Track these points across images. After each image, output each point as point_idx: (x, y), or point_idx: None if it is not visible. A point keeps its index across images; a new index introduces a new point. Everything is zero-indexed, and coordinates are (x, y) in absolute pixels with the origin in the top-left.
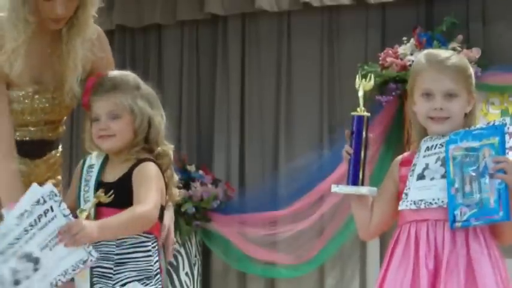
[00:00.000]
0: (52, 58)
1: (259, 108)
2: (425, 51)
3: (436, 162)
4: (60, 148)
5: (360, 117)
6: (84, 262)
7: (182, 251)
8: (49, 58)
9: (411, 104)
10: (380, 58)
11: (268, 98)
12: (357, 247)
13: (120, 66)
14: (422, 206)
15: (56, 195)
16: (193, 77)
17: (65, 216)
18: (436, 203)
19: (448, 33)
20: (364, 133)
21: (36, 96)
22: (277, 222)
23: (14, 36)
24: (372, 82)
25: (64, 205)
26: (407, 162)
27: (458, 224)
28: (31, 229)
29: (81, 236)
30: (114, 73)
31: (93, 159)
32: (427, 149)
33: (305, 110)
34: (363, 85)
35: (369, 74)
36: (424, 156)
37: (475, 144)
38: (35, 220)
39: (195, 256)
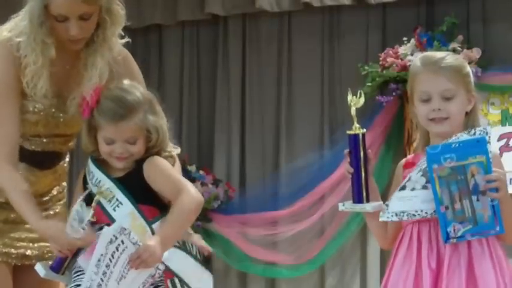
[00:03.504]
0: (71, 73)
1: (259, 109)
2: (421, 54)
3: (417, 172)
4: (67, 158)
5: (356, 136)
6: (152, 276)
7: None
8: (68, 73)
9: (413, 107)
10: (380, 58)
11: (269, 98)
12: (357, 247)
13: None
14: (405, 218)
15: (125, 229)
16: (194, 77)
17: (134, 244)
18: (419, 214)
19: (448, 34)
20: (361, 151)
21: (53, 110)
22: (277, 223)
23: (33, 59)
24: (363, 99)
25: (133, 234)
26: (410, 165)
27: (453, 240)
28: (108, 269)
29: (152, 260)
30: (123, 94)
31: (89, 166)
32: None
33: (305, 110)
34: (354, 102)
35: (359, 91)
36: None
37: (461, 162)
38: (109, 259)
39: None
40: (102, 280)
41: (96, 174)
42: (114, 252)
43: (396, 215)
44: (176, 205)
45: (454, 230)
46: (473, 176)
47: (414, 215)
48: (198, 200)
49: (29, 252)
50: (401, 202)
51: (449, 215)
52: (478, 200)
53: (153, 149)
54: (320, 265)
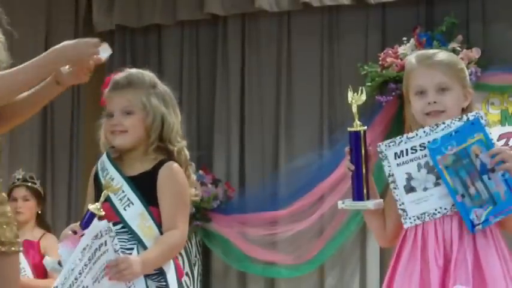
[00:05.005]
0: None
1: (259, 109)
2: (415, 52)
3: (419, 170)
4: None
5: (357, 133)
6: None
7: (182, 251)
8: None
9: (409, 107)
10: (380, 58)
11: (268, 98)
12: (356, 247)
13: (120, 66)
14: (427, 219)
15: (111, 230)
16: (193, 77)
17: (115, 251)
18: (439, 212)
19: (448, 34)
20: (362, 148)
21: None
22: (277, 222)
23: None
24: (364, 96)
25: (116, 240)
26: None
27: (478, 227)
28: (89, 263)
29: (128, 272)
30: (131, 70)
31: (104, 163)
32: (396, 156)
33: (305, 110)
34: (355, 99)
35: (360, 88)
36: (398, 165)
37: (461, 146)
38: (92, 254)
39: (195, 256)
40: (83, 270)
41: (110, 171)
42: (96, 249)
43: (418, 218)
44: (167, 237)
45: (477, 216)
46: (477, 156)
47: (435, 214)
48: (184, 241)
49: (3, 238)
50: (418, 205)
51: (468, 202)
52: (489, 178)
53: (153, 136)
54: (319, 265)
